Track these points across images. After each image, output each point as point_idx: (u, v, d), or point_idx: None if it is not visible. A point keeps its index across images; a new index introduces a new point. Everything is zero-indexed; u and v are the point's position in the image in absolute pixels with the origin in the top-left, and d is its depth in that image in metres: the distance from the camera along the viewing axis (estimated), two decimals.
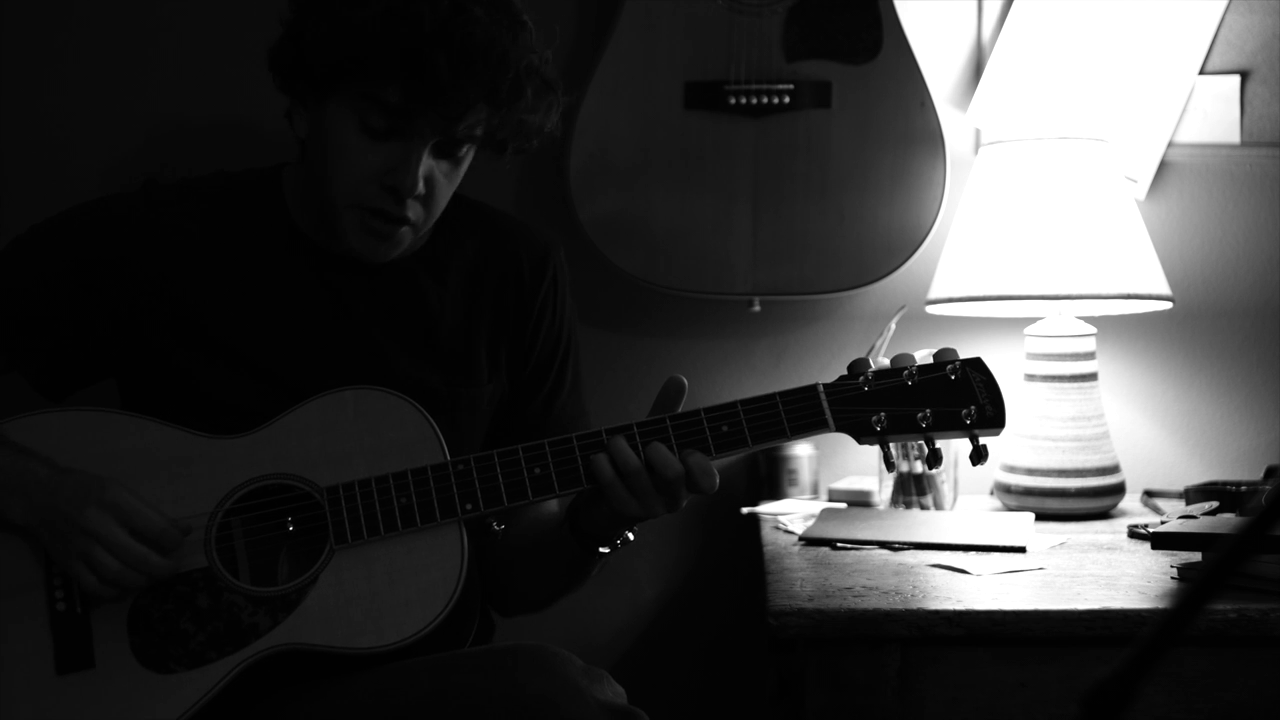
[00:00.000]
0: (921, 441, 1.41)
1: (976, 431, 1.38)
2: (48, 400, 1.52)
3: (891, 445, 1.43)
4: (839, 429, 1.39)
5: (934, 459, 1.41)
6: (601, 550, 1.47)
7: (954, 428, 1.39)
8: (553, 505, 1.57)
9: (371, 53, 1.39)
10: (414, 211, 1.46)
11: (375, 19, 1.38)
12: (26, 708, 1.33)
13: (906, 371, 1.40)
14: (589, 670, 1.32)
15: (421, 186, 1.44)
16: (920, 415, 1.38)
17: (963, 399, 1.39)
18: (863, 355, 1.47)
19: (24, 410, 1.43)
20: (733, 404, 1.39)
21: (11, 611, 1.36)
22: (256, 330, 1.49)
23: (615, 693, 1.34)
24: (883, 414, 1.38)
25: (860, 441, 1.40)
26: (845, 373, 1.42)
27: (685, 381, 1.41)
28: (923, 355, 1.59)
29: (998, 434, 1.40)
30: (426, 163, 1.44)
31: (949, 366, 1.40)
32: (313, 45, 1.42)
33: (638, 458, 1.36)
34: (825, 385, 1.40)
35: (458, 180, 1.50)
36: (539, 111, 1.48)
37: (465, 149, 1.47)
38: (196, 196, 1.54)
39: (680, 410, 1.39)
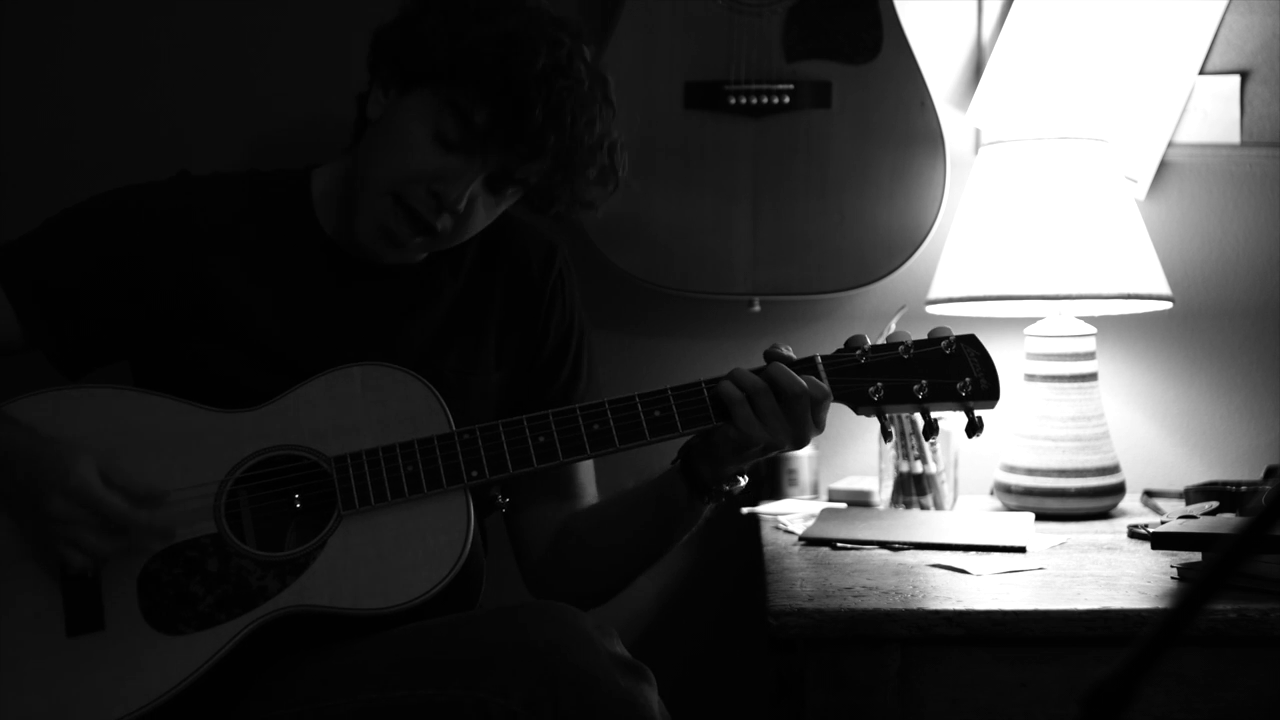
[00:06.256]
0: (918, 414, 1.44)
1: (971, 404, 1.42)
2: (66, 377, 1.54)
3: (889, 420, 1.46)
4: (837, 399, 1.43)
5: (931, 429, 1.44)
6: (707, 500, 1.50)
7: (949, 399, 1.42)
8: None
9: (477, 71, 1.43)
10: (443, 224, 1.49)
11: (492, 39, 1.43)
12: (37, 668, 1.35)
13: (902, 346, 1.44)
14: (600, 625, 1.33)
15: (463, 205, 1.47)
16: (916, 387, 1.42)
17: (957, 372, 1.43)
18: None
19: (38, 386, 1.45)
20: (730, 373, 1.42)
21: (23, 575, 1.37)
22: (276, 323, 1.51)
23: (624, 650, 1.34)
24: (880, 384, 1.42)
25: (858, 412, 1.44)
26: (842, 347, 1.45)
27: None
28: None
29: (992, 406, 1.43)
30: (476, 186, 1.48)
31: (943, 342, 1.44)
32: (422, 39, 1.46)
33: (745, 386, 1.40)
34: (823, 356, 1.44)
35: (493, 218, 1.54)
36: (595, 190, 1.54)
37: (513, 191, 1.52)
38: (227, 188, 1.58)
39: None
